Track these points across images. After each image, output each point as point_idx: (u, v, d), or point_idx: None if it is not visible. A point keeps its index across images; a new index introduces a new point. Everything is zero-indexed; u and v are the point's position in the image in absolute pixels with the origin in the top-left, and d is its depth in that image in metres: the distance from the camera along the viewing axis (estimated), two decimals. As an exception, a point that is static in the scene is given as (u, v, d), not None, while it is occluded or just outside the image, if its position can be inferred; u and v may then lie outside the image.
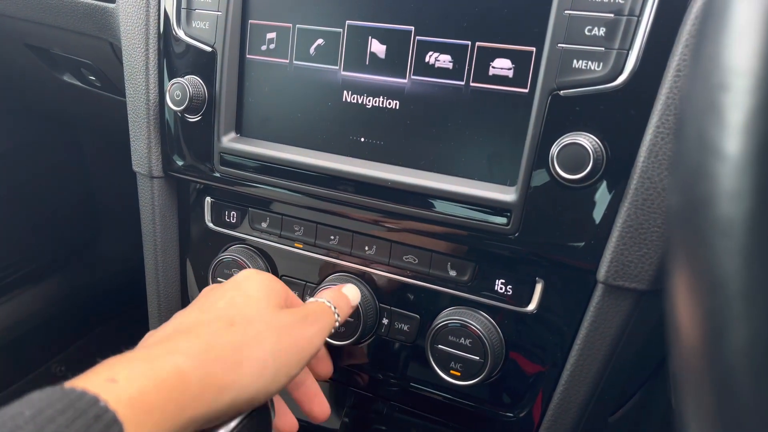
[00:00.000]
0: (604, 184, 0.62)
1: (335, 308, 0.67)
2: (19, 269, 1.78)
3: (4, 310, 1.75)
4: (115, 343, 1.95)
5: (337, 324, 0.67)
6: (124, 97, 1.13)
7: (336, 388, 0.89)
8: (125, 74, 0.86)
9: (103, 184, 1.93)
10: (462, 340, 0.72)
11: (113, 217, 1.99)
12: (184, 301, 0.94)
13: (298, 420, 0.89)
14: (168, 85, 0.81)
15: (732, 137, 0.22)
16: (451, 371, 0.73)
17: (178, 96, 0.79)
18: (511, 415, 0.75)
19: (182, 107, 0.79)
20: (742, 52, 0.22)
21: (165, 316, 0.94)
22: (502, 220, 0.67)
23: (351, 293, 0.74)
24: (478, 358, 0.72)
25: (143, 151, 0.86)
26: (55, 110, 1.66)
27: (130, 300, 2.03)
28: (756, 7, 0.22)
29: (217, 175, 0.82)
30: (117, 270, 2.02)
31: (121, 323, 2.03)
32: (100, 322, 2.00)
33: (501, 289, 0.73)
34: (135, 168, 0.89)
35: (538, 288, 0.71)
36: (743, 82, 0.22)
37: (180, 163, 0.85)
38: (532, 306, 0.71)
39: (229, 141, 0.81)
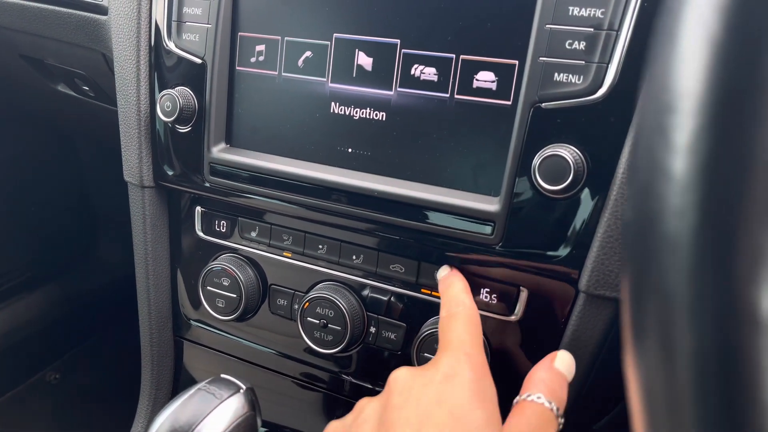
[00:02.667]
0: (585, 195, 0.63)
1: (556, 408, 0.56)
2: (15, 277, 1.78)
3: (0, 317, 1.76)
4: (111, 352, 1.95)
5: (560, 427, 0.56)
6: (116, 107, 1.14)
7: (324, 396, 0.89)
8: (116, 85, 0.87)
9: (100, 192, 1.94)
10: (447, 349, 0.73)
11: (109, 225, 2.00)
12: (175, 309, 0.95)
13: (287, 427, 0.90)
14: (159, 96, 0.82)
15: (677, 157, 0.23)
16: (437, 379, 0.74)
17: (168, 107, 0.80)
18: (496, 422, 0.76)
19: (172, 118, 0.80)
20: (687, 75, 0.23)
21: (155, 325, 0.95)
22: (487, 230, 0.68)
23: (565, 365, 0.60)
24: (463, 366, 0.72)
25: (134, 161, 0.87)
26: (51, 119, 1.68)
27: (125, 308, 2.04)
28: (701, 33, 0.23)
29: (208, 185, 0.83)
30: (113, 278, 2.02)
31: (117, 332, 2.03)
32: (95, 330, 2.00)
33: (486, 297, 0.74)
34: (126, 177, 0.90)
35: (522, 297, 0.72)
36: (688, 104, 0.23)
37: (171, 173, 0.86)
38: (516, 315, 0.72)
39: (219, 151, 0.82)
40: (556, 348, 0.70)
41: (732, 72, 0.23)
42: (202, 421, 0.62)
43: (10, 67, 1.24)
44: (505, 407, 0.59)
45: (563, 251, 0.65)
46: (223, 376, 0.67)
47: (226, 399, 0.64)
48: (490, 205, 0.68)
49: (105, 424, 1.84)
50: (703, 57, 0.23)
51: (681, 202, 0.23)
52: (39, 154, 1.75)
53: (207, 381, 0.66)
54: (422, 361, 0.75)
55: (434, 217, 0.71)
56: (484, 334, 0.74)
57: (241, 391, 0.66)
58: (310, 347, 0.81)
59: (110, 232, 2.02)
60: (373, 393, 0.84)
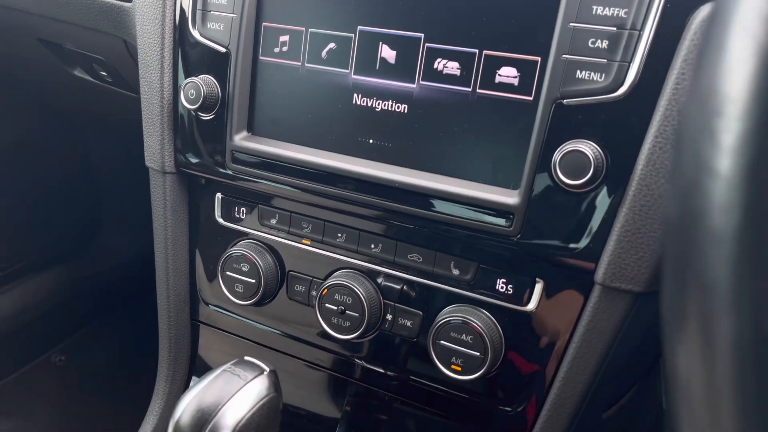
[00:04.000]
0: (604, 190, 0.65)
1: None
2: (22, 260, 1.80)
3: (6, 299, 1.77)
4: (115, 336, 1.97)
5: None
6: (135, 93, 1.16)
7: (337, 379, 0.91)
8: (140, 72, 0.89)
9: (107, 179, 1.95)
10: (463, 336, 0.75)
11: (116, 212, 2.01)
12: (193, 294, 0.97)
13: (302, 408, 0.92)
14: (183, 83, 0.83)
15: (724, 158, 0.25)
16: (452, 366, 0.76)
17: (192, 95, 0.82)
18: (509, 409, 0.78)
19: (196, 106, 0.82)
20: (735, 81, 0.25)
21: (173, 308, 0.97)
22: (505, 222, 0.70)
23: None
24: (478, 353, 0.75)
25: (156, 147, 0.89)
26: (63, 104, 1.68)
27: (130, 294, 2.06)
28: (749, 42, 0.25)
29: (229, 172, 0.85)
30: (118, 264, 2.04)
31: (121, 316, 2.05)
32: (100, 314, 2.02)
33: (502, 288, 0.76)
34: (148, 163, 0.91)
35: (538, 288, 0.74)
36: (735, 108, 0.25)
37: (192, 159, 0.87)
38: (531, 305, 0.74)
39: (240, 139, 0.83)
40: (569, 339, 0.72)
41: None
42: (227, 401, 0.64)
43: (26, 50, 1.25)
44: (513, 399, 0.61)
45: (580, 244, 0.67)
46: (246, 358, 0.69)
47: (250, 380, 0.66)
48: (509, 197, 0.70)
49: (109, 405, 1.87)
50: (750, 64, 0.25)
51: (727, 199, 0.25)
52: (46, 140, 1.76)
53: (231, 363, 0.68)
54: (437, 348, 0.77)
55: (454, 209, 0.72)
56: (499, 325, 0.76)
57: (265, 373, 0.67)
58: (327, 333, 0.83)
59: (115, 218, 2.04)
60: (387, 379, 0.86)
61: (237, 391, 0.65)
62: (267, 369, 0.68)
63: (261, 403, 0.65)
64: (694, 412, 0.27)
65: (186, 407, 0.65)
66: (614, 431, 0.86)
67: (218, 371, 0.67)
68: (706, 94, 0.26)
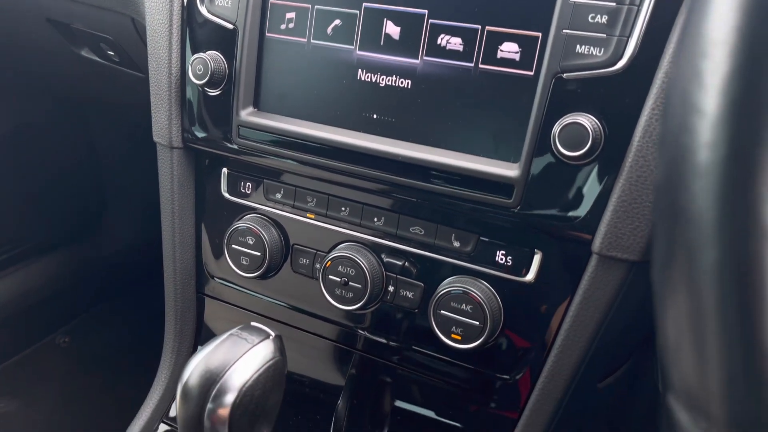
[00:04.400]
0: (602, 161, 0.67)
1: None
2: (26, 243, 1.82)
3: (11, 280, 1.79)
4: (119, 318, 1.99)
5: None
6: (142, 73, 1.17)
7: (340, 350, 0.93)
8: (148, 48, 0.90)
9: (111, 164, 1.97)
10: (463, 306, 0.77)
11: (120, 197, 2.03)
12: (199, 267, 0.99)
13: (306, 377, 0.94)
14: (191, 59, 0.85)
15: (710, 97, 0.27)
16: (452, 335, 0.78)
17: (200, 70, 0.84)
18: (507, 377, 0.80)
19: (204, 81, 0.83)
20: (720, 25, 0.27)
21: (180, 281, 0.99)
22: (506, 194, 0.72)
23: None
24: (477, 323, 0.77)
25: (164, 122, 0.91)
26: (67, 87, 1.70)
27: (134, 278, 2.08)
28: (733, -11, 0.27)
29: (235, 147, 0.86)
30: (122, 248, 2.06)
31: (125, 300, 2.07)
32: (104, 298, 2.04)
33: (501, 259, 0.78)
34: (155, 138, 0.93)
35: (536, 259, 0.76)
36: (721, 50, 0.27)
37: (199, 134, 0.89)
38: (530, 276, 0.76)
39: (247, 115, 0.85)
40: (566, 309, 0.74)
41: (760, 23, 0.26)
42: (234, 364, 0.66)
43: (34, 31, 1.26)
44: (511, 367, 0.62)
45: (578, 215, 0.69)
46: (253, 323, 0.71)
47: (256, 344, 0.68)
48: (510, 170, 0.72)
49: (112, 386, 1.89)
50: (735, 10, 0.27)
51: (712, 135, 0.27)
52: (51, 124, 1.77)
53: (238, 327, 0.70)
54: (438, 318, 0.79)
55: (455, 181, 0.74)
56: (498, 295, 0.78)
57: (271, 337, 0.69)
58: (330, 304, 0.85)
59: (120, 203, 2.05)
60: (389, 349, 0.88)
61: (243, 354, 0.67)
62: (272, 334, 0.70)
63: (267, 365, 0.67)
64: (680, 339, 0.29)
65: (194, 369, 0.67)
66: (610, 401, 0.89)
67: (225, 335, 0.69)
68: (694, 38, 0.28)
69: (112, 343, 2.00)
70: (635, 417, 1.33)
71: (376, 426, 0.92)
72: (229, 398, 0.65)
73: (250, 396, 0.66)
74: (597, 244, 0.68)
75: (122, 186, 2.01)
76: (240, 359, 0.67)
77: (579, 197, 0.69)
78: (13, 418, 1.75)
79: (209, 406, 0.66)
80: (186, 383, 0.66)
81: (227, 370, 0.66)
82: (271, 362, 0.68)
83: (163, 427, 0.98)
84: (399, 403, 0.91)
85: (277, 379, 0.69)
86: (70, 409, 1.81)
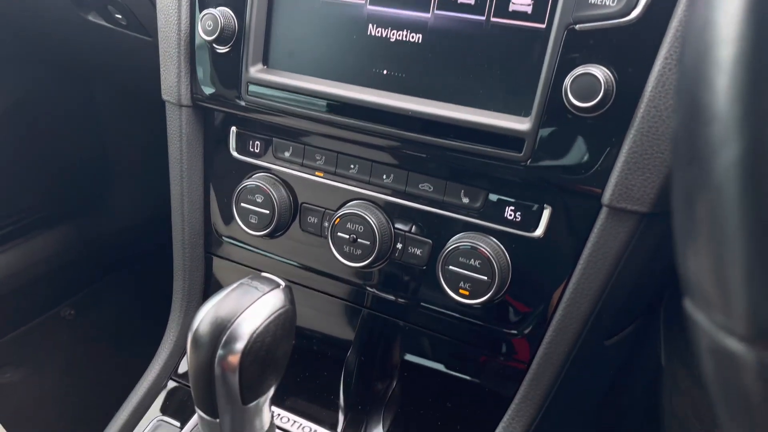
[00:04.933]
0: (613, 112, 0.66)
1: None
2: (31, 215, 1.82)
3: (17, 253, 1.80)
4: (124, 291, 2.00)
5: None
6: (149, 36, 1.17)
7: (349, 307, 0.94)
8: (158, 4, 0.90)
9: (117, 136, 1.97)
10: (471, 261, 0.77)
11: (126, 170, 2.03)
12: (207, 227, 0.99)
13: (315, 335, 0.94)
14: (200, 15, 0.85)
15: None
16: (460, 290, 0.79)
17: (209, 26, 0.83)
18: (515, 332, 0.81)
19: (213, 37, 0.83)
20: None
21: (188, 240, 0.99)
22: (516, 148, 0.72)
23: None
24: (486, 278, 0.77)
25: (173, 80, 0.91)
26: (72, 57, 1.69)
27: (140, 252, 2.08)
28: None
29: (244, 104, 0.86)
30: (128, 221, 2.06)
31: (131, 273, 2.08)
32: (110, 271, 2.05)
33: (510, 215, 0.78)
34: (164, 96, 0.93)
35: (546, 214, 0.76)
36: None
37: (208, 92, 0.89)
38: (539, 231, 0.76)
39: (256, 72, 0.85)
40: (575, 263, 0.74)
41: None
42: (244, 311, 0.67)
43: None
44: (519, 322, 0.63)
45: (589, 167, 0.69)
46: (263, 273, 0.71)
47: (267, 293, 0.68)
48: (520, 124, 0.72)
49: (117, 358, 1.90)
50: None
51: (734, 31, 0.27)
52: (57, 95, 1.77)
53: (248, 277, 0.70)
54: (446, 274, 0.79)
55: (465, 136, 0.74)
56: (506, 251, 0.78)
57: (281, 287, 0.70)
58: (338, 261, 0.86)
59: (125, 176, 2.05)
60: (397, 306, 0.89)
61: (253, 302, 0.67)
62: (282, 283, 0.71)
63: (277, 313, 0.68)
64: (699, 238, 0.29)
65: (204, 317, 0.67)
66: (616, 359, 0.89)
67: (235, 285, 0.69)
68: None
69: (117, 316, 2.02)
70: (639, 378, 1.33)
71: (385, 379, 0.93)
72: (240, 344, 0.66)
73: (260, 343, 0.66)
74: (607, 196, 0.68)
75: (128, 158, 2.01)
76: (250, 307, 0.67)
77: (589, 149, 0.69)
78: (19, 386, 1.77)
79: (219, 352, 0.66)
80: (196, 330, 0.67)
81: (237, 318, 0.66)
82: (281, 311, 0.68)
83: (171, 383, 0.99)
84: (408, 357, 0.91)
85: (287, 328, 0.69)
86: (76, 378, 1.83)
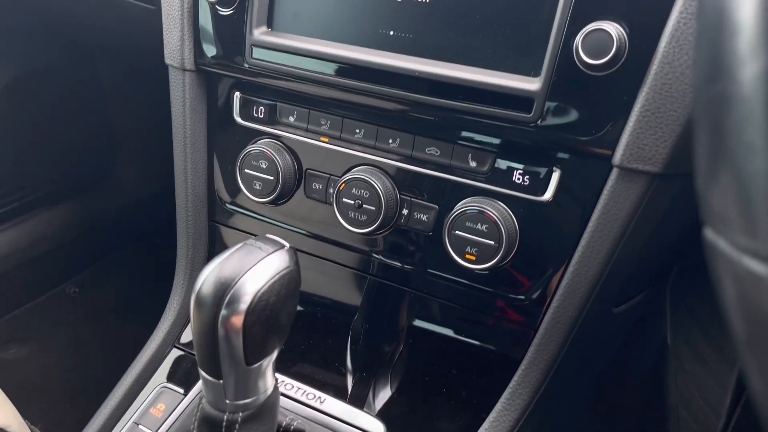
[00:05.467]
0: (626, 70, 0.65)
1: None
2: (35, 192, 1.81)
3: (20, 229, 1.79)
4: (128, 269, 1.99)
5: None
6: (152, 5, 1.15)
7: (354, 275, 0.93)
8: (161, -34, 0.88)
9: (121, 114, 1.96)
10: (479, 226, 0.76)
11: (130, 147, 2.02)
12: (211, 194, 0.98)
13: (319, 303, 0.94)
14: (203, -24, 0.83)
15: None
16: (467, 255, 0.77)
17: (212, -14, 0.82)
18: (523, 297, 0.80)
19: (217, -1, 0.82)
20: None
21: (192, 208, 0.98)
22: (525, 108, 0.70)
23: None
24: (493, 242, 0.76)
25: (176, 43, 0.89)
26: (74, 29, 1.67)
27: (144, 229, 2.08)
28: None
29: (247, 67, 0.85)
30: (132, 199, 2.05)
31: (135, 251, 2.08)
32: (114, 248, 2.05)
33: (518, 179, 0.76)
34: (167, 61, 0.91)
35: (555, 177, 0.74)
36: None
37: (212, 55, 0.88)
38: (547, 195, 0.75)
39: (260, 34, 0.83)
40: (583, 228, 0.73)
41: None
42: (248, 271, 0.66)
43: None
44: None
45: (600, 127, 0.68)
46: (267, 235, 0.70)
47: (271, 253, 0.67)
48: (530, 84, 0.70)
49: (121, 335, 1.91)
50: None
51: None
52: (60, 70, 1.76)
53: (251, 238, 0.69)
54: (453, 238, 0.78)
55: (474, 97, 0.73)
56: (514, 215, 0.77)
57: (285, 248, 0.69)
58: (343, 227, 0.84)
59: (130, 154, 2.04)
60: (403, 273, 0.88)
61: (257, 262, 0.66)
62: (287, 245, 0.70)
63: (281, 274, 0.67)
64: (719, 158, 0.28)
65: (207, 277, 0.66)
66: (623, 330, 0.88)
67: (239, 245, 0.68)
68: None
69: (122, 294, 2.02)
70: (644, 357, 1.33)
71: (391, 343, 0.92)
72: (243, 304, 0.65)
73: (264, 302, 0.65)
74: (618, 156, 0.67)
75: (132, 135, 2.00)
76: (254, 267, 0.66)
77: (600, 108, 0.67)
78: (24, 362, 1.77)
79: (223, 312, 0.65)
80: (199, 291, 0.66)
81: (241, 277, 0.65)
82: (285, 271, 0.67)
83: (175, 352, 0.99)
84: (414, 322, 0.90)
85: (291, 289, 0.68)
86: (81, 355, 1.83)
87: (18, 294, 1.80)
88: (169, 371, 0.96)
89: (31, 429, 1.07)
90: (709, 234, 0.29)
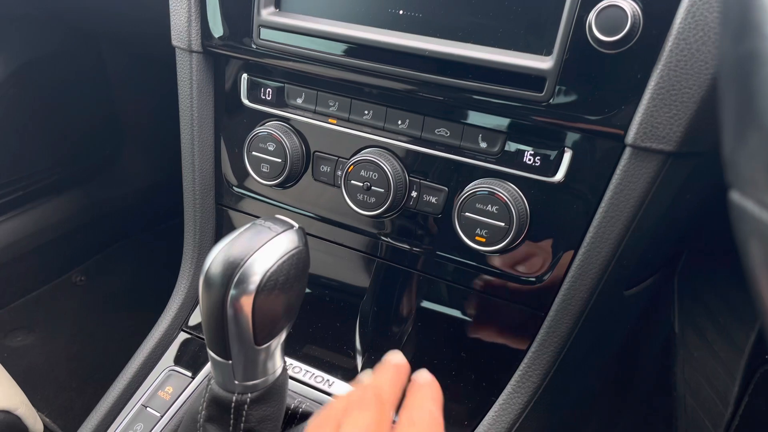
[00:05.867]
0: (640, 47, 0.64)
1: None
2: (40, 180, 1.81)
3: (26, 218, 1.79)
4: (134, 258, 1.99)
5: None
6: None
7: (362, 257, 0.92)
8: (167, -54, 0.88)
9: (126, 101, 1.95)
10: (489, 207, 0.75)
11: (137, 136, 2.02)
12: (218, 178, 0.97)
13: (327, 285, 0.93)
14: (210, -45, 0.82)
15: None
16: (476, 237, 0.77)
17: (219, -34, 0.81)
18: (533, 280, 0.79)
19: (223, -22, 0.81)
20: None
21: (199, 191, 0.97)
22: (537, 88, 0.69)
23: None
24: (503, 224, 0.75)
25: (183, 24, 0.88)
26: (80, 16, 1.67)
27: (150, 218, 2.08)
28: None
29: (255, 47, 0.84)
30: (138, 187, 2.05)
31: (142, 239, 2.08)
32: (120, 237, 2.05)
33: (529, 160, 0.76)
34: (174, 42, 0.91)
35: (566, 157, 0.73)
36: None
37: (219, 36, 0.87)
38: (559, 176, 0.74)
39: (268, 15, 0.83)
40: (595, 209, 0.72)
41: None
42: (257, 251, 0.65)
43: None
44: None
45: (613, 106, 0.67)
46: (276, 216, 0.70)
47: (280, 233, 0.67)
48: (542, 62, 0.69)
49: (127, 324, 1.91)
50: None
51: None
52: (66, 57, 1.75)
53: (261, 218, 0.69)
54: (462, 220, 0.77)
55: (484, 76, 0.72)
56: (525, 197, 0.76)
57: (294, 228, 0.68)
58: (352, 210, 0.84)
59: (135, 141, 2.04)
60: (411, 256, 0.87)
61: (266, 242, 0.66)
62: (296, 225, 0.69)
63: (290, 254, 0.66)
64: (754, 112, 0.27)
65: (216, 256, 0.66)
66: (633, 314, 0.87)
67: (247, 225, 0.68)
68: None
69: (128, 283, 2.02)
70: (652, 346, 1.32)
71: (400, 325, 0.92)
72: (252, 284, 0.64)
73: (273, 282, 0.65)
74: (631, 135, 0.66)
75: (139, 124, 2.00)
76: (263, 246, 0.65)
77: (613, 86, 0.66)
78: (31, 350, 1.77)
79: (232, 292, 0.65)
80: (208, 270, 0.66)
81: (250, 257, 0.65)
82: (294, 251, 0.67)
83: (182, 335, 0.98)
84: (423, 304, 0.90)
85: (300, 269, 0.68)
86: (88, 343, 1.83)
87: (24, 282, 1.80)
88: (177, 354, 0.96)
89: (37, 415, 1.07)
90: (736, 197, 0.29)
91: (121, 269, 2.05)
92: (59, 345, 1.81)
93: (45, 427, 1.39)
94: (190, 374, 0.92)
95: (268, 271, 0.64)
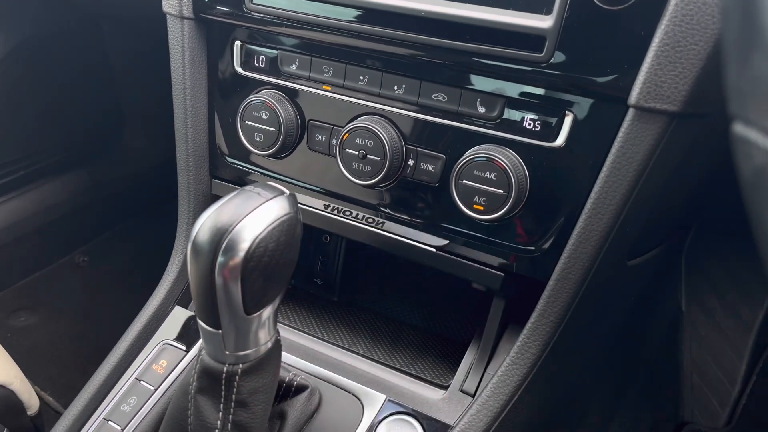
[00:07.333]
0: (644, 1, 0.61)
1: None
2: (43, 160, 1.80)
3: (29, 198, 1.79)
4: (137, 239, 1.98)
5: None
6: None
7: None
8: None
9: (128, 81, 1.93)
10: (487, 174, 0.73)
11: (138, 117, 2.00)
12: (212, 148, 0.95)
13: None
14: None
15: None
16: (474, 206, 0.74)
17: (210, -72, 0.78)
18: (533, 248, 0.76)
19: (215, -60, 0.78)
20: None
21: (193, 163, 0.95)
22: (537, 48, 0.67)
23: None
24: (502, 191, 0.73)
25: (174, -11, 0.86)
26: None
27: (152, 199, 2.07)
28: None
29: (247, 12, 0.82)
30: (141, 168, 2.04)
31: (144, 220, 2.07)
32: (122, 218, 2.04)
33: (529, 125, 0.73)
34: (165, 9, 0.88)
35: (567, 121, 0.71)
36: None
37: (210, 0, 0.85)
38: (560, 140, 0.72)
39: (260, -22, 0.80)
40: (596, 174, 0.70)
41: None
42: (246, 217, 0.63)
43: None
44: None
45: (616, 65, 0.64)
46: (267, 182, 0.68)
47: (270, 199, 0.65)
48: (542, 21, 0.66)
49: (131, 306, 1.91)
50: None
51: None
52: (67, 36, 1.73)
53: (250, 185, 0.67)
54: (460, 188, 0.75)
55: (482, 37, 0.69)
56: (524, 163, 0.74)
57: (285, 194, 0.66)
58: (347, 180, 0.82)
59: (137, 123, 2.03)
60: (410, 225, 0.84)
61: (256, 208, 0.64)
62: (286, 191, 0.67)
63: (281, 220, 0.64)
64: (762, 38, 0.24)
65: (203, 224, 0.64)
66: (638, 281, 0.85)
67: (237, 191, 0.66)
68: None
69: (130, 264, 2.01)
70: (658, 323, 1.30)
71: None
72: (241, 251, 0.62)
73: (263, 248, 0.63)
74: (634, 95, 0.63)
75: (140, 105, 1.98)
76: (253, 212, 0.63)
77: (616, 45, 0.63)
78: (34, 330, 1.78)
79: (220, 259, 0.63)
80: (195, 237, 0.64)
81: (238, 223, 0.63)
82: (285, 217, 0.65)
83: (177, 309, 0.97)
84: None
85: (291, 236, 0.66)
86: (90, 323, 1.83)
87: (27, 262, 1.80)
88: (171, 328, 0.95)
89: (39, 395, 1.07)
90: (739, 128, 0.26)
91: (124, 250, 2.04)
92: (62, 325, 1.81)
93: (46, 403, 1.39)
94: (184, 348, 0.91)
95: (257, 237, 0.62)
